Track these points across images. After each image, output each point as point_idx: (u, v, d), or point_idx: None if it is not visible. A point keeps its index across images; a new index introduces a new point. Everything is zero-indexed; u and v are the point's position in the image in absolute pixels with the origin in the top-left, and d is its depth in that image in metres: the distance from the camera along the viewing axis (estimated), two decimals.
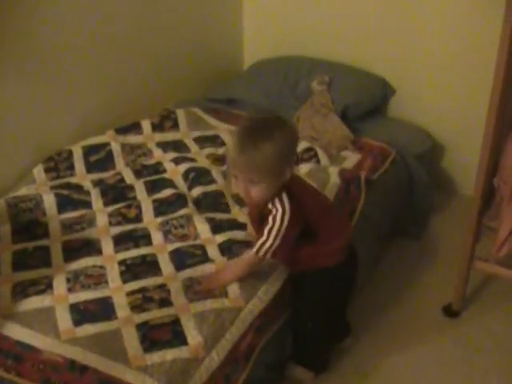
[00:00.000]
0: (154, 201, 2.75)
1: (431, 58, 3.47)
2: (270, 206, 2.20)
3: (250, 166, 2.10)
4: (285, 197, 2.19)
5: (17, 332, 2.12)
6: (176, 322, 2.14)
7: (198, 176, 2.89)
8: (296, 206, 2.20)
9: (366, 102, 3.53)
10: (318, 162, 3.05)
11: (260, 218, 2.28)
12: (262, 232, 2.22)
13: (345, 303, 2.65)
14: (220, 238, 2.53)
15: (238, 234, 2.56)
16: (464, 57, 3.37)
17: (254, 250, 2.24)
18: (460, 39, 3.35)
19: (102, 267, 2.40)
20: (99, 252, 2.49)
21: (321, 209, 2.36)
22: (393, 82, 3.62)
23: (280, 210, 2.18)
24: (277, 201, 2.19)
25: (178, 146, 3.17)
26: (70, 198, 2.75)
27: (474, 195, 2.59)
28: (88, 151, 3.02)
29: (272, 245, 2.21)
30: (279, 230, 2.19)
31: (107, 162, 3.03)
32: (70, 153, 2.99)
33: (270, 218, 2.20)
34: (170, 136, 3.24)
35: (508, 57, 2.25)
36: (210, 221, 2.62)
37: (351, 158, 3.13)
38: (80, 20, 2.99)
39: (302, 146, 3.10)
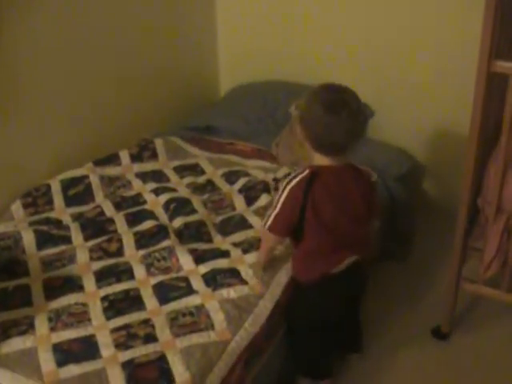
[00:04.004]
0: (135, 233, 2.71)
1: (410, 78, 3.48)
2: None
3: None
4: (302, 175, 2.25)
5: None
6: (162, 359, 2.09)
7: (178, 206, 2.86)
8: (304, 194, 2.24)
9: None
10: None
11: None
12: None
13: (350, 317, 2.64)
14: (203, 268, 2.50)
15: (221, 263, 2.53)
16: (443, 76, 3.38)
17: (262, 223, 2.39)
18: (439, 59, 3.36)
19: (84, 304, 2.35)
20: (81, 288, 2.44)
21: (326, 224, 2.31)
22: (371, 104, 3.61)
23: (286, 181, 2.28)
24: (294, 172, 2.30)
25: (157, 176, 3.14)
26: (50, 234, 2.70)
27: (458, 217, 2.57)
28: (66, 185, 2.97)
29: (271, 213, 2.31)
30: (280, 196, 2.28)
31: (86, 195, 2.98)
32: (48, 187, 2.94)
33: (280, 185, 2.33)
34: (149, 166, 3.21)
35: (488, 77, 2.25)
36: (193, 252, 2.58)
37: None
38: (54, 54, 2.96)
39: (282, 171, 3.09)
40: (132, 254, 2.61)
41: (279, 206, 2.29)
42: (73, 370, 2.07)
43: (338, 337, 2.62)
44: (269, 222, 2.32)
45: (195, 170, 3.22)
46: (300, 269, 2.45)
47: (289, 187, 2.27)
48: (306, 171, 2.26)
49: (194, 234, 2.72)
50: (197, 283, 2.43)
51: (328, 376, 2.61)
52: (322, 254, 2.38)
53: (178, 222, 2.79)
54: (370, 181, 2.46)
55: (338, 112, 2.17)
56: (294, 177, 2.28)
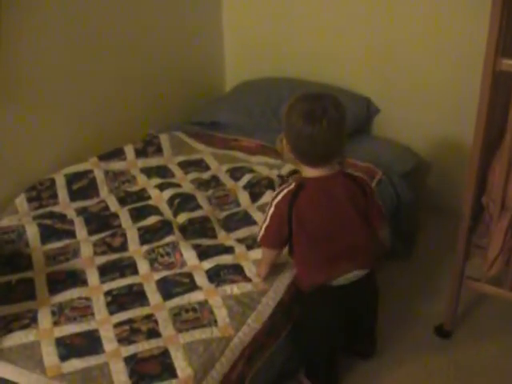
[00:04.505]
0: (139, 228, 2.71)
1: (415, 75, 3.47)
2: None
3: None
4: (288, 188, 2.27)
5: (1, 369, 2.06)
6: (165, 354, 2.09)
7: (183, 202, 2.86)
8: (289, 207, 2.25)
9: (350, 122, 3.48)
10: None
11: None
12: None
13: (361, 327, 2.67)
14: (207, 264, 2.50)
15: (225, 259, 2.53)
16: (449, 74, 3.36)
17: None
18: (444, 57, 3.34)
19: (87, 299, 2.36)
20: (84, 283, 2.44)
21: (314, 235, 2.32)
22: (376, 101, 3.61)
23: (274, 195, 2.32)
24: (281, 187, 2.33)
25: (162, 171, 3.14)
26: (54, 228, 2.71)
27: (462, 214, 2.57)
28: (71, 179, 2.97)
29: (262, 225, 2.35)
30: (268, 210, 2.32)
31: (90, 189, 2.98)
32: (53, 181, 2.95)
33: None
34: (153, 161, 3.21)
35: (493, 75, 2.25)
36: (197, 247, 2.58)
37: None
38: (60, 49, 2.97)
39: (287, 168, 3.09)
40: (136, 249, 2.61)
41: (268, 219, 2.32)
42: (75, 364, 2.07)
43: (348, 343, 2.64)
44: (260, 235, 2.36)
45: (200, 165, 3.22)
46: (298, 277, 2.45)
47: (275, 201, 2.29)
48: (292, 184, 2.28)
49: (198, 229, 2.72)
50: (200, 279, 2.43)
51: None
52: (317, 265, 2.38)
53: (182, 218, 2.79)
54: (366, 187, 2.38)
55: (318, 121, 2.16)
56: (281, 190, 2.29)
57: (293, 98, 2.28)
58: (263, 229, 2.34)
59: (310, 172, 2.29)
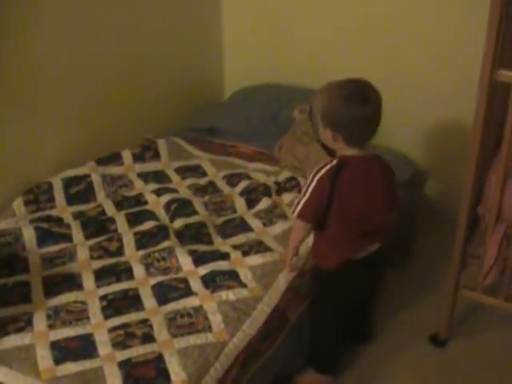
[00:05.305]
0: (136, 233, 2.72)
1: (413, 84, 3.47)
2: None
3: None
4: (331, 164, 2.30)
5: None
6: (159, 359, 2.10)
7: (179, 207, 2.87)
8: (332, 184, 2.28)
9: None
10: (300, 192, 3.03)
11: None
12: None
13: (364, 306, 2.74)
14: (203, 270, 2.50)
15: (221, 265, 2.53)
16: (446, 83, 3.37)
17: (291, 210, 2.42)
18: (444, 66, 3.35)
19: (83, 302, 2.36)
20: (80, 287, 2.45)
21: (352, 212, 2.36)
22: None
23: (315, 170, 2.32)
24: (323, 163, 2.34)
25: (159, 176, 3.14)
26: (51, 232, 2.71)
27: (458, 224, 2.58)
28: (68, 183, 2.98)
29: (300, 200, 2.35)
30: (309, 184, 2.32)
31: (88, 193, 2.99)
32: (50, 185, 2.95)
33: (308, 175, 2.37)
34: (151, 166, 3.22)
35: (490, 86, 2.25)
36: (193, 253, 2.59)
37: None
38: (58, 54, 2.97)
39: (284, 175, 3.10)
40: (132, 254, 2.62)
41: (308, 193, 2.33)
42: (70, 367, 2.08)
43: (349, 328, 2.68)
44: (298, 209, 2.37)
45: (197, 171, 3.22)
46: (324, 255, 2.49)
47: (318, 176, 2.32)
48: (334, 161, 2.31)
49: (194, 235, 2.73)
50: (196, 284, 2.44)
51: (334, 371, 2.66)
52: (347, 241, 2.42)
53: (178, 223, 2.79)
54: (392, 172, 2.49)
55: (366, 102, 2.26)
56: (323, 166, 2.32)
57: (325, 87, 2.37)
58: (302, 203, 2.35)
59: (350, 151, 2.32)
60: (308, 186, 2.34)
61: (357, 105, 2.24)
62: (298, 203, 2.36)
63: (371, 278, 2.61)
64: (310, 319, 2.56)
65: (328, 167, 2.31)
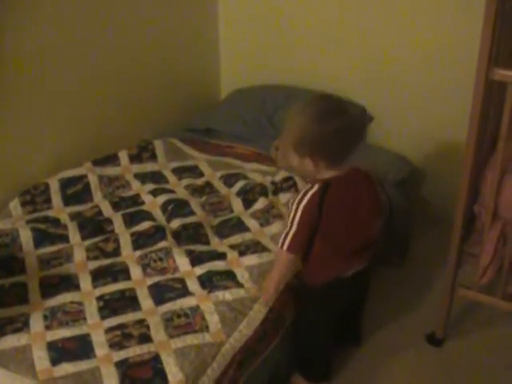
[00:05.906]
0: (133, 234, 2.72)
1: (410, 84, 3.48)
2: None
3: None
4: (312, 191, 2.23)
5: None
6: (156, 359, 2.10)
7: (176, 208, 2.86)
8: (319, 209, 2.23)
9: None
10: (297, 191, 3.03)
11: None
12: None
13: (353, 315, 2.72)
14: (200, 270, 2.50)
15: (217, 265, 2.53)
16: (442, 83, 3.38)
17: (279, 244, 2.30)
18: (438, 66, 3.36)
19: (80, 303, 2.36)
20: (77, 287, 2.45)
21: (340, 232, 2.34)
22: (371, 109, 3.62)
23: (297, 200, 2.25)
24: (302, 191, 2.28)
25: (156, 177, 3.14)
26: (47, 233, 2.71)
27: (454, 223, 2.58)
28: (65, 184, 2.98)
29: (288, 232, 2.27)
30: (293, 216, 2.24)
31: (84, 194, 2.99)
32: (47, 186, 2.95)
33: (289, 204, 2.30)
34: (147, 167, 3.22)
35: (486, 85, 2.26)
36: (190, 253, 2.59)
37: None
38: (54, 53, 2.97)
39: (281, 175, 3.09)
40: (128, 255, 2.62)
41: (295, 225, 2.25)
42: (67, 368, 2.07)
43: (339, 333, 2.65)
44: (287, 242, 2.28)
45: (194, 171, 3.22)
46: (311, 273, 2.44)
47: (302, 206, 2.24)
48: (316, 186, 2.24)
49: (191, 235, 2.73)
50: (193, 285, 2.44)
51: (326, 379, 2.64)
52: (336, 260, 2.40)
53: (175, 224, 2.79)
54: (374, 180, 2.43)
55: (343, 114, 2.20)
56: (304, 194, 2.25)
57: (295, 107, 2.28)
58: (290, 236, 2.27)
59: (329, 173, 2.27)
60: (294, 217, 2.25)
61: (331, 118, 2.17)
62: (286, 236, 2.28)
63: (358, 290, 2.60)
64: (296, 332, 2.52)
65: (310, 194, 2.24)
